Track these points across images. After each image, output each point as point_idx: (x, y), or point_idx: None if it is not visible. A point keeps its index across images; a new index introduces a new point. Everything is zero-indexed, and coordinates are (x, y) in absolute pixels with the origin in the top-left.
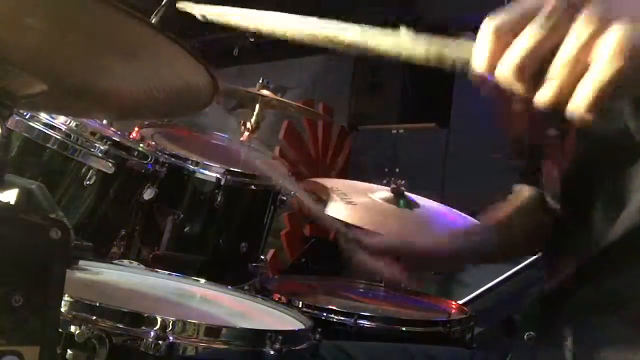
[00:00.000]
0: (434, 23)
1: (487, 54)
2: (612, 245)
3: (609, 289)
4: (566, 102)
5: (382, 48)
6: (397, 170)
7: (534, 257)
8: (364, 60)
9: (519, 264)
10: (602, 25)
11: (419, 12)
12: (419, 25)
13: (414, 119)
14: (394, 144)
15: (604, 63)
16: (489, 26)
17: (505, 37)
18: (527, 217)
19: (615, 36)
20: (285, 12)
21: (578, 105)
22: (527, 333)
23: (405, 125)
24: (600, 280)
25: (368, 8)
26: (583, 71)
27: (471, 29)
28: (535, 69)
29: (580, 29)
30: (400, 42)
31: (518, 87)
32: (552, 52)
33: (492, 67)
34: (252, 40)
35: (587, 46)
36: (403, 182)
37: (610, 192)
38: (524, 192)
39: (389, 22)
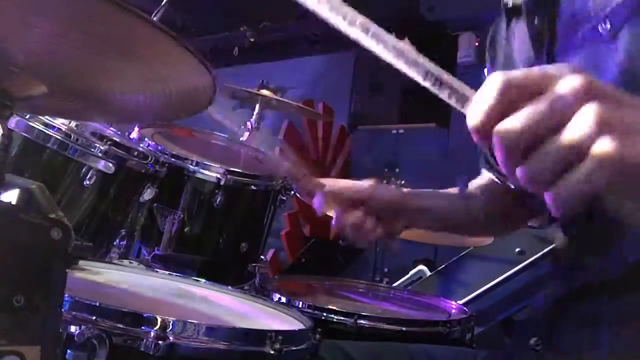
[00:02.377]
0: (435, 23)
1: (487, 108)
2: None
3: (626, 300)
4: (543, 185)
5: (381, 49)
6: (397, 170)
7: (534, 257)
8: (364, 60)
9: (519, 264)
10: (603, 129)
11: (421, 12)
12: (420, 25)
13: (414, 119)
14: (394, 144)
15: (591, 166)
16: (497, 81)
17: (510, 97)
18: (490, 195)
19: (607, 146)
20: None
21: (557, 194)
22: (533, 338)
23: (405, 125)
24: (619, 291)
25: (369, 7)
26: (572, 162)
27: (471, 29)
28: (526, 143)
29: (582, 124)
30: (403, 51)
31: (503, 153)
32: (547, 131)
33: (488, 122)
34: (252, 40)
35: (582, 142)
36: (403, 182)
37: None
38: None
39: (390, 22)
